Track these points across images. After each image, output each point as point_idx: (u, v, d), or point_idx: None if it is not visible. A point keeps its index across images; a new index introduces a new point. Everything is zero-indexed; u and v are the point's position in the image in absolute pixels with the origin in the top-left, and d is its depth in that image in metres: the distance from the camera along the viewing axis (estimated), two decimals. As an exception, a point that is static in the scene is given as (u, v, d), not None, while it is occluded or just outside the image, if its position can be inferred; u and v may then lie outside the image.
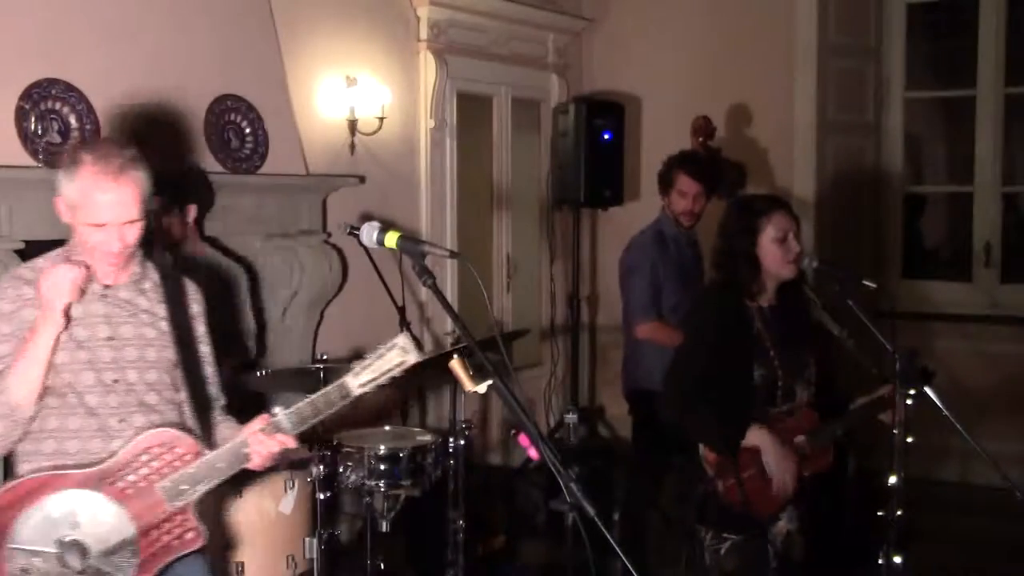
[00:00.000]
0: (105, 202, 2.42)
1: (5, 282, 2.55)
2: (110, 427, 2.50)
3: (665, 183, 4.73)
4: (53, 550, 2.42)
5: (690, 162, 4.76)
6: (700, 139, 5.39)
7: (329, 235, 5.29)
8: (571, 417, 5.63)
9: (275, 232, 5.02)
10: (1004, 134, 6.68)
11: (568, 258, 6.56)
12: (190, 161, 4.51)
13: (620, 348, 4.93)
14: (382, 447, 3.90)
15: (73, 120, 4.13)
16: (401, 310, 5.01)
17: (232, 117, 4.80)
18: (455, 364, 2.37)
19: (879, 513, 3.21)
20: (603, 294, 7.19)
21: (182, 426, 2.56)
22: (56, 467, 2.47)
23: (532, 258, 7.02)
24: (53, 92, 4.09)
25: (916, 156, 7.28)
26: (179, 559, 2.54)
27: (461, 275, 6.14)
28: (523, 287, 6.96)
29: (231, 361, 3.82)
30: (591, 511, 2.09)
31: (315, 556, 3.76)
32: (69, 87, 4.13)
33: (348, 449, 3.91)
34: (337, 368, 3.58)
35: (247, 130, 4.84)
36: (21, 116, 4.00)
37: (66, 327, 2.44)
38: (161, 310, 2.60)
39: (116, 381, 2.51)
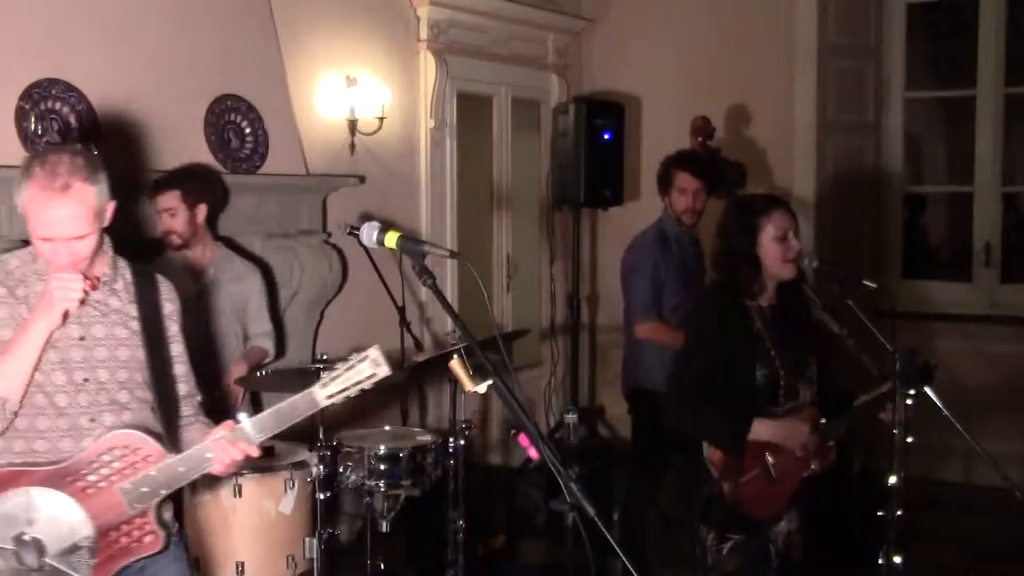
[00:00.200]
0: (50, 219, 2.40)
1: None
2: (80, 426, 2.49)
3: (664, 183, 4.73)
4: (10, 547, 2.41)
5: (687, 160, 4.77)
6: (700, 139, 5.39)
7: (329, 235, 5.29)
8: (571, 417, 5.64)
9: (275, 232, 5.02)
10: (1004, 134, 6.68)
11: (568, 258, 6.56)
12: (199, 161, 4.51)
13: (620, 348, 4.92)
14: (382, 447, 3.90)
15: (73, 120, 4.13)
16: (401, 310, 5.01)
17: (232, 117, 4.80)
18: (455, 364, 2.37)
19: (879, 513, 3.20)
20: (603, 294, 7.19)
21: (148, 429, 2.53)
22: (12, 464, 2.46)
23: (532, 258, 7.02)
24: (53, 92, 4.10)
25: (916, 156, 7.28)
26: (154, 560, 2.53)
27: (461, 275, 6.14)
28: (523, 287, 6.95)
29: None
30: (591, 511, 2.08)
31: (315, 556, 3.76)
32: (69, 87, 4.14)
33: (348, 449, 3.91)
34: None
35: (247, 130, 4.85)
36: (21, 116, 4.00)
37: (62, 325, 2.44)
38: (133, 310, 2.58)
39: (87, 380, 2.50)
